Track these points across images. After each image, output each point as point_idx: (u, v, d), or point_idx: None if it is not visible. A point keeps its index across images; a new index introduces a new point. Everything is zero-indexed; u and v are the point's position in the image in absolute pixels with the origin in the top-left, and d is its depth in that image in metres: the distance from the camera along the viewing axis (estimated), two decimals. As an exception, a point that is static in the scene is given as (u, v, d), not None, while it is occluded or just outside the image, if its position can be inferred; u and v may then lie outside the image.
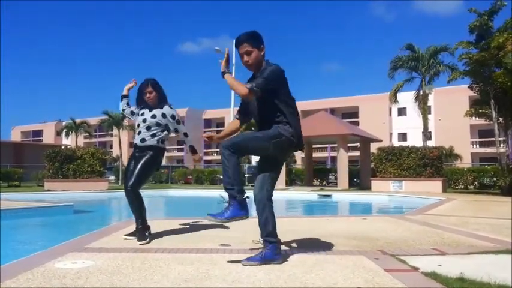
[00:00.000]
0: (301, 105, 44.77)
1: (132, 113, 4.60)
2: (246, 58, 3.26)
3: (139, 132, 4.38)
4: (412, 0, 76.80)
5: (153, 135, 4.36)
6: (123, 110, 4.70)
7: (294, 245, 3.96)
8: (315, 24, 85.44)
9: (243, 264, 3.05)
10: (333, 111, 45.04)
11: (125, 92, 4.68)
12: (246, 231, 4.59)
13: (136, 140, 4.39)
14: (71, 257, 3.29)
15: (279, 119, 3.23)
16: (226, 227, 4.91)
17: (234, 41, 3.38)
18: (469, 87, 16.48)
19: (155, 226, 5.10)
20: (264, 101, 3.23)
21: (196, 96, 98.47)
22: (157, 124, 4.37)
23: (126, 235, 4.28)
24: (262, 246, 3.25)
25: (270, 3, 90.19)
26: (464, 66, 15.60)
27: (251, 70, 3.33)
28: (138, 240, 4.06)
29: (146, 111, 4.42)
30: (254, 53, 3.25)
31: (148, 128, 4.35)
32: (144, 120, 4.37)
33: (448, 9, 76.53)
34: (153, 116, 4.36)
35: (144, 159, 4.28)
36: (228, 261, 3.17)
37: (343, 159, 19.27)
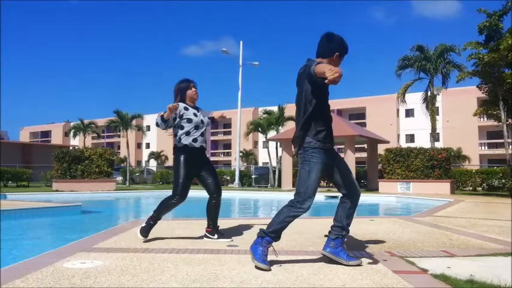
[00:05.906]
0: (308, 106, 44.65)
1: (175, 119, 4.16)
2: None
3: (200, 135, 4.25)
4: (409, 0, 76.86)
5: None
6: (165, 126, 4.18)
7: (301, 246, 3.95)
8: (317, 26, 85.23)
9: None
10: (340, 112, 44.92)
11: (166, 117, 4.06)
12: (253, 232, 4.58)
13: (199, 144, 4.22)
14: (79, 257, 3.32)
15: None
16: (233, 228, 4.91)
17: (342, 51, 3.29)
18: (477, 86, 16.37)
19: (164, 227, 5.12)
20: None
21: (203, 97, 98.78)
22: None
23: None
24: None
25: (272, 5, 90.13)
26: (473, 66, 15.51)
27: None
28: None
29: (195, 111, 4.27)
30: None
31: (202, 132, 4.31)
32: (202, 122, 4.29)
33: (446, 12, 76.69)
34: (203, 121, 4.31)
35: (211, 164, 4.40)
36: (236, 262, 3.17)
37: (350, 160, 19.16)
